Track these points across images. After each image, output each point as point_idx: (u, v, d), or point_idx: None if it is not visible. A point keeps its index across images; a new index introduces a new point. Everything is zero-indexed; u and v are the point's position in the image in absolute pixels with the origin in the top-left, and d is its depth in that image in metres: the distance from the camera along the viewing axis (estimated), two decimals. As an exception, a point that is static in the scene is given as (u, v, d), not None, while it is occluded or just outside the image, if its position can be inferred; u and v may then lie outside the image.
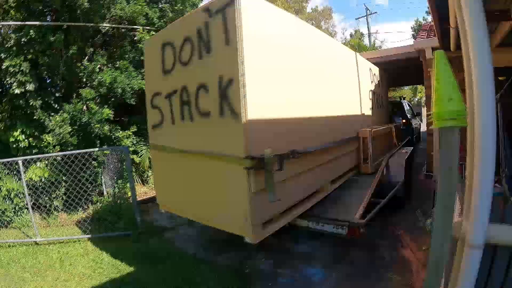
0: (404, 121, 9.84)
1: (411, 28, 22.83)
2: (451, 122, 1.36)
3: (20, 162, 5.49)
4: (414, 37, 21.96)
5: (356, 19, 28.55)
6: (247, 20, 2.65)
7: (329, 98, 4.23)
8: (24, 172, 5.72)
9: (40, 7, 6.72)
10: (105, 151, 6.75)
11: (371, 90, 6.25)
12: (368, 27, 23.31)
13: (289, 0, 27.37)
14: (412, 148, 6.60)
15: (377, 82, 6.85)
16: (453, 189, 1.45)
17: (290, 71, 3.28)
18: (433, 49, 6.34)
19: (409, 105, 12.23)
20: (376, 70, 6.97)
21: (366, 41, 24.78)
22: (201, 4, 7.35)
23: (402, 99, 12.06)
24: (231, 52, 2.65)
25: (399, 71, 8.84)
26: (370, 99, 6.07)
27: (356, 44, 25.90)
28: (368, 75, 6.13)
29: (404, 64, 7.92)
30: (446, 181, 1.45)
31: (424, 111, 16.25)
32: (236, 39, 2.61)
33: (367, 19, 23.83)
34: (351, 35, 28.72)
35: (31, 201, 5.78)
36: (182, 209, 3.78)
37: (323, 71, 4.08)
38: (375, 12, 24.46)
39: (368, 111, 5.85)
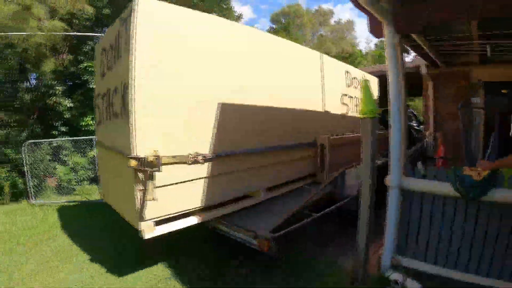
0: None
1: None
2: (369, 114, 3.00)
3: (94, 139, 7.50)
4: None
5: None
6: (143, 28, 2.96)
7: (267, 98, 4.31)
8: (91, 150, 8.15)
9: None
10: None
11: (347, 95, 6.29)
12: None
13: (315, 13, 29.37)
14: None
15: (357, 91, 6.84)
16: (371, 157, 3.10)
17: (205, 71, 3.47)
18: (427, 66, 6.70)
19: (412, 113, 11.78)
20: (360, 75, 6.97)
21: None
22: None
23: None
24: (126, 59, 3.01)
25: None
26: (343, 103, 6.11)
27: (378, 54, 25.73)
28: (343, 79, 6.18)
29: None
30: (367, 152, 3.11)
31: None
32: (130, 47, 2.95)
33: None
34: (376, 45, 29.12)
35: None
36: (112, 201, 4.21)
37: (257, 71, 4.17)
38: None
39: (336, 116, 5.90)
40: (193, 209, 3.51)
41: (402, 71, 3.27)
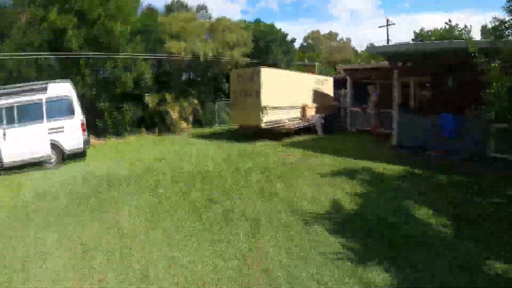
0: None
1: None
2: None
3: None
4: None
5: (379, 27, 38.82)
6: (263, 75, 13.88)
7: (293, 92, 15.47)
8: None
9: None
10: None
11: (315, 88, 17.36)
12: (387, 37, 33.73)
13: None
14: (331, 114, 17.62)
15: (322, 85, 17.93)
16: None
17: (279, 87, 14.51)
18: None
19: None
20: (324, 79, 18.15)
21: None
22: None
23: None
24: (258, 82, 13.91)
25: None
26: (313, 92, 17.16)
27: (366, 55, 37.39)
28: (313, 82, 17.26)
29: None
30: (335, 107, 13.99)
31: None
32: (259, 79, 13.85)
33: (387, 29, 34.12)
34: (366, 47, 43.70)
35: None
36: (241, 123, 15.31)
37: (293, 83, 15.44)
38: (393, 23, 35.35)
39: (311, 96, 16.95)
40: (272, 121, 14.55)
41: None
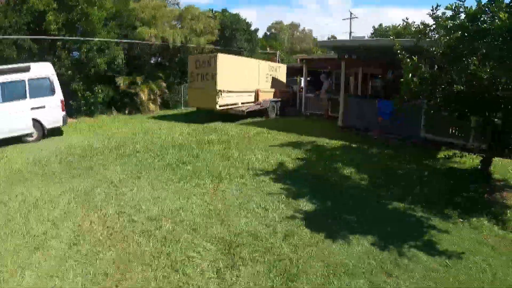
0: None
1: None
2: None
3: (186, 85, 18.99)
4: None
5: (343, 19, 42.29)
6: (219, 60, 15.52)
7: (247, 77, 17.23)
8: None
9: None
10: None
11: (269, 74, 19.26)
12: (350, 30, 37.36)
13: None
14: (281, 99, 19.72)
15: (275, 72, 19.86)
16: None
17: (234, 72, 16.19)
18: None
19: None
20: (277, 66, 20.13)
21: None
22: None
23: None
24: (215, 67, 15.53)
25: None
26: (266, 78, 19.07)
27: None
28: (267, 68, 19.13)
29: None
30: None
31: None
32: (216, 64, 15.48)
33: (350, 22, 37.55)
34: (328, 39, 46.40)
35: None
36: (198, 106, 16.98)
37: (247, 69, 17.21)
38: (356, 17, 39.07)
39: (264, 82, 18.84)
40: (227, 104, 16.29)
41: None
